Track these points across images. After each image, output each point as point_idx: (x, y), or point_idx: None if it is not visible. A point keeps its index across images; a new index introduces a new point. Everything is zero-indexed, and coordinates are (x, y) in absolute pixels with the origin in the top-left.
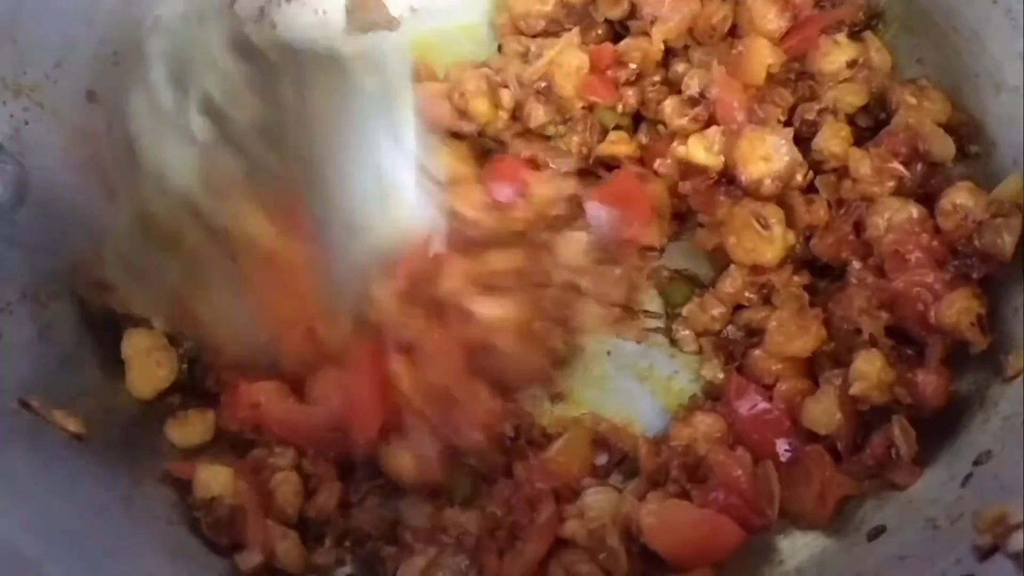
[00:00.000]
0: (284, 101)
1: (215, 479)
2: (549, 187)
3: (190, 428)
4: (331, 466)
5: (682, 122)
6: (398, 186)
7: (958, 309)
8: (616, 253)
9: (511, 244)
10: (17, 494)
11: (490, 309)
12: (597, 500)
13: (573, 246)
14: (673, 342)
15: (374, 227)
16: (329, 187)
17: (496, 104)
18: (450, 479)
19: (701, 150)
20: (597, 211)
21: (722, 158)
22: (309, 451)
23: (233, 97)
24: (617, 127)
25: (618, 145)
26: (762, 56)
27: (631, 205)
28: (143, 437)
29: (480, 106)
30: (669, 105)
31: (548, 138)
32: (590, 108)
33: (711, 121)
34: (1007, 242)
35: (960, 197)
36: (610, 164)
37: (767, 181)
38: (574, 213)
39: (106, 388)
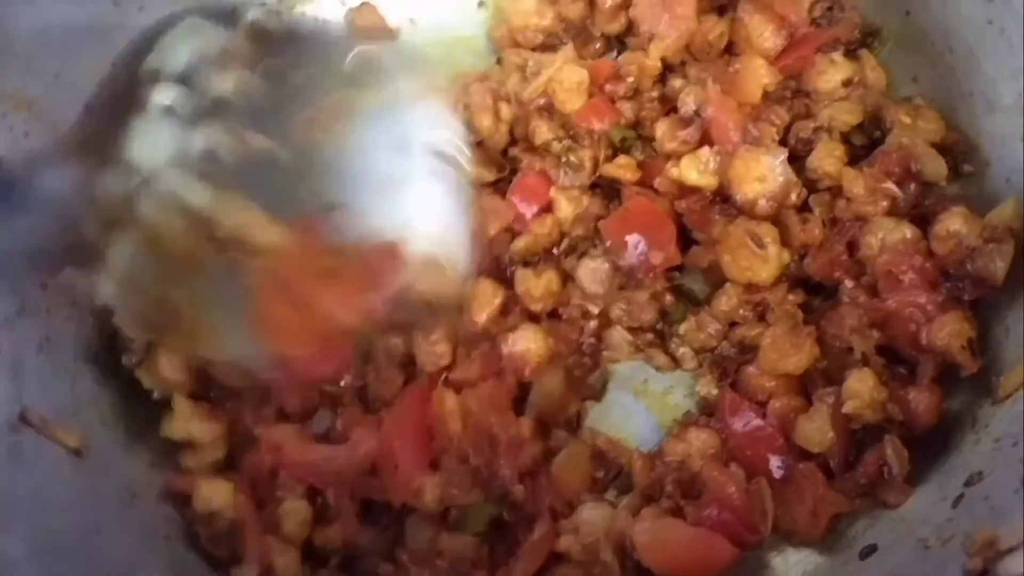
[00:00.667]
0: (295, 91)
1: (216, 494)
2: (574, 205)
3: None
4: (352, 502)
5: (673, 145)
6: (408, 183)
7: (949, 332)
8: (641, 277)
9: (542, 267)
10: (16, 510)
11: (520, 344)
12: (591, 515)
13: (596, 275)
14: (673, 359)
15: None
16: (337, 182)
17: (498, 118)
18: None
19: (694, 171)
20: (621, 238)
21: (716, 178)
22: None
23: (245, 92)
24: (624, 140)
25: (624, 171)
26: (758, 76)
27: (654, 228)
28: (141, 451)
29: (484, 120)
30: (660, 128)
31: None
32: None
33: (705, 140)
34: (999, 267)
35: (954, 224)
36: (611, 183)
37: (762, 201)
38: (593, 234)
39: (104, 402)
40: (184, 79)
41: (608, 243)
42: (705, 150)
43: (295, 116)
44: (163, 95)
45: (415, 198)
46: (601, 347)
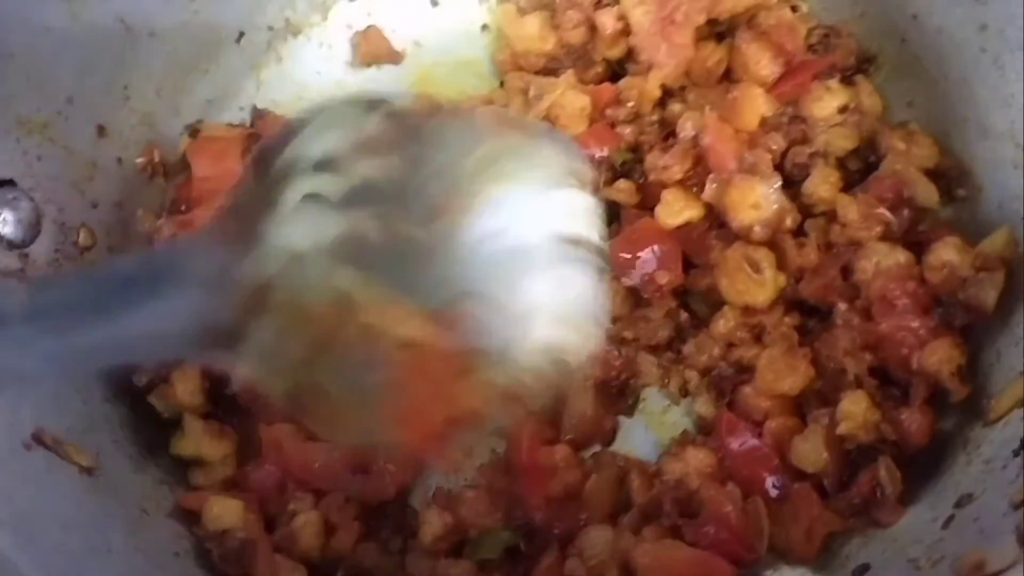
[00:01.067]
0: (435, 176)
1: (227, 512)
2: None
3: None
4: (353, 507)
5: (660, 177)
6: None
7: (940, 358)
8: (647, 296)
9: None
10: (29, 528)
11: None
12: (595, 537)
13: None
14: (684, 384)
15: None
16: (472, 269)
17: None
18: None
19: (668, 219)
20: (628, 257)
21: (701, 210)
22: (330, 494)
23: (390, 176)
24: (624, 163)
25: (624, 194)
26: (756, 104)
27: (661, 248)
28: (151, 469)
29: None
30: (650, 159)
31: None
32: None
33: (701, 166)
34: (990, 296)
35: (947, 254)
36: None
37: (757, 228)
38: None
39: (115, 421)
40: (331, 164)
41: (614, 262)
42: (677, 195)
43: (435, 201)
44: (309, 182)
45: (547, 285)
46: (631, 372)
